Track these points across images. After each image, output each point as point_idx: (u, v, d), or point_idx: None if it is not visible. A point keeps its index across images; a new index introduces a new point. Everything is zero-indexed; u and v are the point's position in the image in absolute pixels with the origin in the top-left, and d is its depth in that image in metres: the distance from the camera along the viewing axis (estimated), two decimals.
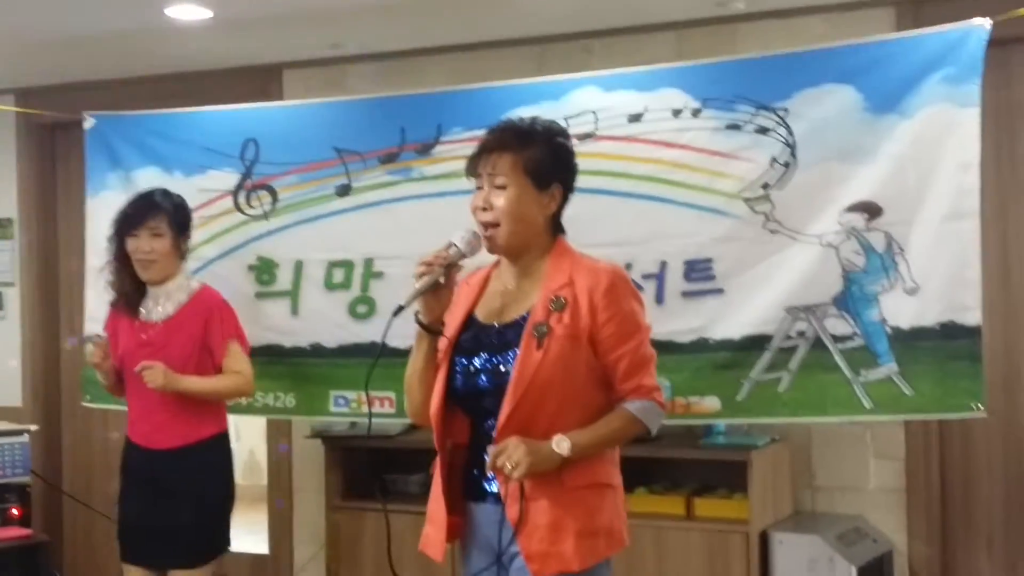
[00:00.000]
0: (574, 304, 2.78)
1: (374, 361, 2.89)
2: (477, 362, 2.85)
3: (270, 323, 4.90)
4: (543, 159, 2.84)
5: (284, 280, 4.89)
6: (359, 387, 4.65)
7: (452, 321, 2.93)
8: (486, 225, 2.84)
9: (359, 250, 4.75)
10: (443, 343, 2.90)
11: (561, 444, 2.71)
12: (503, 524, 2.78)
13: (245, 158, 4.93)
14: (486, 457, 2.75)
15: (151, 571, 4.18)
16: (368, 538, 4.94)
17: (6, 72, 5.85)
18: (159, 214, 4.14)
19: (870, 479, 4.75)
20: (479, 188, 2.87)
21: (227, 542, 4.25)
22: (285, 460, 5.73)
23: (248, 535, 6.16)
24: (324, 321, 4.76)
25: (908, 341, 3.98)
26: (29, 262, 6.25)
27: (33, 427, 4.96)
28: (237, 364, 4.17)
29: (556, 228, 2.93)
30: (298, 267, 4.86)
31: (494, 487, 2.82)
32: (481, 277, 2.99)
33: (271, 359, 4.88)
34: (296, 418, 5.26)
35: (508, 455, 2.67)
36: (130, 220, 4.15)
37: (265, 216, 4.92)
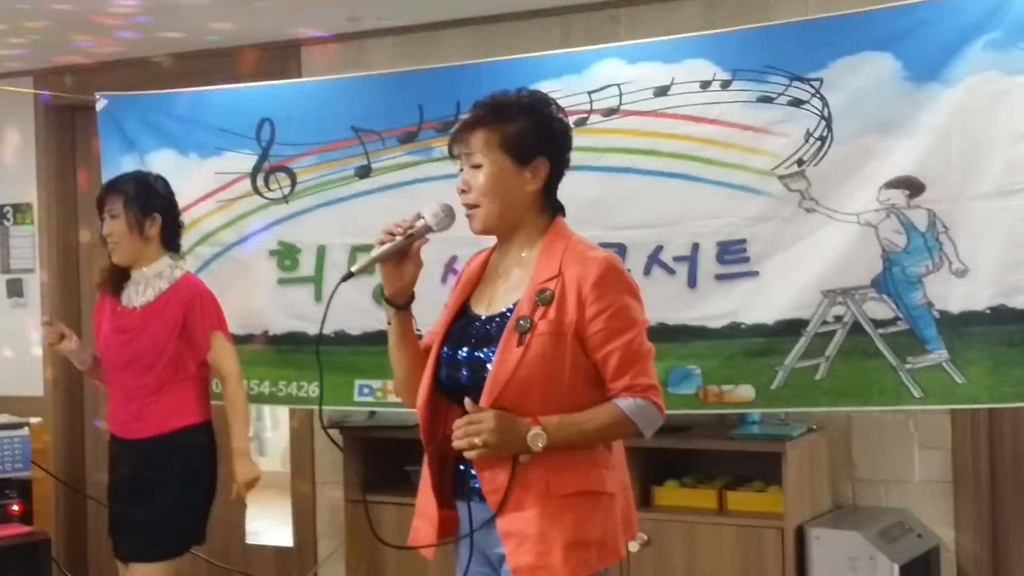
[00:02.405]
0: (561, 297, 2.61)
1: (318, 338, 2.82)
2: (461, 354, 2.70)
3: (293, 310, 4.77)
4: (521, 132, 2.67)
5: (307, 266, 4.75)
6: (384, 375, 4.51)
7: (448, 309, 2.80)
8: (467, 207, 2.70)
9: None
10: (437, 332, 2.77)
11: (536, 440, 2.56)
12: (489, 523, 2.64)
13: (261, 139, 4.78)
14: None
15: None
16: (389, 531, 4.74)
17: (23, 53, 5.72)
18: (116, 196, 4.10)
19: (915, 471, 4.53)
20: (460, 170, 2.72)
21: (195, 537, 4.11)
22: (308, 450, 5.58)
23: (282, 525, 6.07)
24: (348, 308, 4.57)
25: (958, 326, 3.76)
26: (49, 248, 6.14)
27: (34, 419, 4.85)
28: (224, 361, 4.10)
29: (551, 207, 2.74)
30: (321, 252, 4.71)
31: (478, 483, 2.66)
32: (481, 260, 2.84)
33: (295, 347, 4.76)
34: (318, 408, 5.12)
35: (478, 428, 2.55)
36: (97, 204, 4.16)
37: (285, 199, 4.77)
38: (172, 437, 4.01)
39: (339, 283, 2.72)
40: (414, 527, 2.80)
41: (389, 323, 2.76)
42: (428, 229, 2.69)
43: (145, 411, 4.02)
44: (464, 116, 2.76)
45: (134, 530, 4.02)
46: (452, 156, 2.76)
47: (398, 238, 2.67)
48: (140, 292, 4.09)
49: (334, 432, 5.06)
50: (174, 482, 4.01)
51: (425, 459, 2.77)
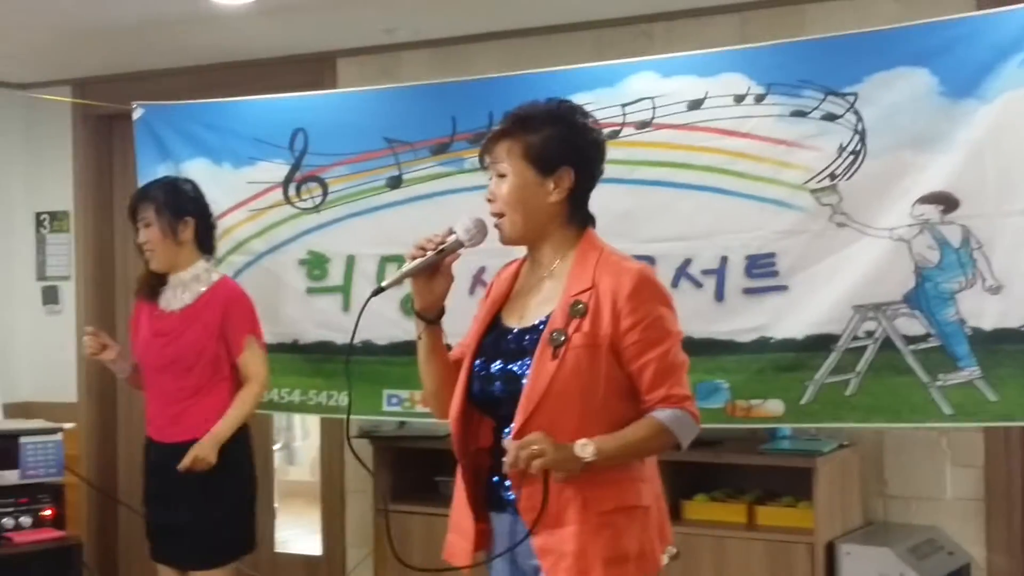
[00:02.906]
0: (595, 310, 2.60)
1: (349, 348, 2.80)
2: (494, 367, 2.69)
3: (322, 319, 4.79)
4: (544, 142, 2.67)
5: (336, 275, 4.76)
6: (412, 386, 4.52)
7: (479, 321, 2.79)
8: (494, 216, 2.70)
9: (412, 244, 4.59)
10: (467, 344, 2.77)
11: (585, 448, 2.54)
12: (522, 535, 2.63)
13: (294, 149, 4.81)
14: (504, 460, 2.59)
15: (178, 571, 4.12)
16: (417, 541, 4.77)
17: (62, 63, 5.79)
18: (147, 204, 4.14)
19: (947, 488, 4.49)
20: (491, 179, 2.73)
21: (248, 543, 4.14)
22: (338, 459, 5.60)
23: (311, 534, 6.09)
24: (376, 318, 4.58)
25: (991, 344, 3.72)
26: (85, 256, 6.18)
27: (68, 425, 4.88)
28: (253, 364, 4.12)
29: (580, 218, 2.73)
30: (350, 262, 4.73)
31: (512, 495, 2.65)
32: (511, 272, 2.83)
33: (324, 356, 4.77)
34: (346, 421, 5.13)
35: (529, 441, 2.52)
36: (130, 212, 4.20)
37: (316, 209, 4.79)
38: None
39: (369, 298, 2.71)
40: (448, 541, 2.79)
41: (419, 337, 2.75)
42: (460, 244, 2.68)
43: (184, 414, 4.05)
44: (494, 127, 2.76)
45: (182, 536, 4.04)
46: (482, 166, 2.77)
47: (429, 253, 2.66)
48: (178, 296, 4.13)
49: (364, 442, 5.08)
50: (219, 485, 4.03)
51: (458, 473, 2.76)
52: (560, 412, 2.58)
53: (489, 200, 2.71)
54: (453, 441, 2.74)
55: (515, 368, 2.66)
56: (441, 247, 2.67)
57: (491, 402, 2.70)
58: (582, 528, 2.57)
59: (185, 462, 3.96)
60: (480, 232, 2.69)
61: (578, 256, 2.68)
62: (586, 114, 2.76)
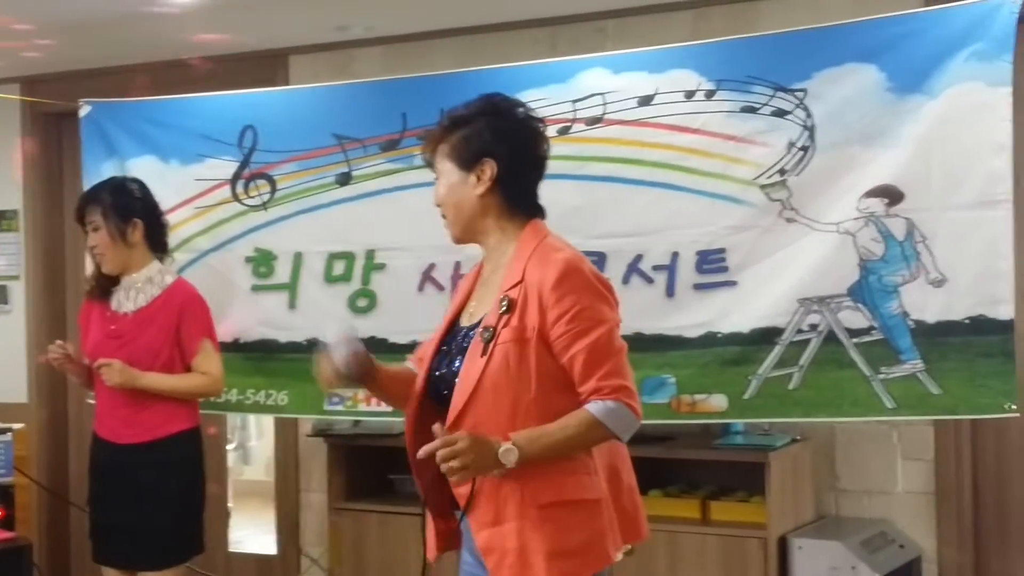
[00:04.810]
0: (523, 303, 2.57)
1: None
2: (448, 367, 2.69)
3: (266, 317, 4.75)
4: (464, 137, 2.67)
5: (282, 273, 4.73)
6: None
7: (444, 322, 2.80)
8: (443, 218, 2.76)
9: (360, 241, 4.58)
10: (430, 345, 2.79)
11: (508, 455, 2.49)
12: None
13: (243, 145, 4.77)
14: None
15: (123, 572, 4.07)
16: (372, 540, 4.77)
17: (10, 60, 5.72)
18: (94, 207, 4.07)
19: (897, 481, 4.52)
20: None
21: (198, 545, 4.10)
22: (292, 458, 5.56)
23: (265, 534, 6.05)
24: (323, 315, 4.56)
25: (934, 336, 3.76)
26: (35, 255, 6.11)
27: (17, 425, 4.82)
28: (206, 364, 4.08)
29: (523, 209, 2.70)
30: (297, 259, 4.70)
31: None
32: (475, 271, 2.82)
33: (266, 355, 4.73)
34: (288, 416, 5.10)
35: (453, 451, 2.46)
36: (77, 216, 4.12)
37: (264, 206, 4.75)
38: (166, 442, 4.00)
39: None
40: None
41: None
42: (344, 356, 2.70)
43: (137, 417, 3.99)
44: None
45: (130, 536, 3.99)
46: (430, 168, 2.79)
47: (335, 381, 2.72)
48: (131, 298, 4.07)
49: (318, 441, 5.06)
50: (172, 487, 3.99)
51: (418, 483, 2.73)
52: (491, 408, 2.55)
53: (438, 204, 2.74)
54: (407, 447, 2.71)
55: (458, 367, 2.64)
56: (342, 372, 2.70)
57: (445, 402, 2.67)
58: (522, 524, 2.55)
59: (100, 363, 3.92)
60: (351, 339, 2.73)
61: (517, 249, 2.65)
62: (522, 105, 2.73)
